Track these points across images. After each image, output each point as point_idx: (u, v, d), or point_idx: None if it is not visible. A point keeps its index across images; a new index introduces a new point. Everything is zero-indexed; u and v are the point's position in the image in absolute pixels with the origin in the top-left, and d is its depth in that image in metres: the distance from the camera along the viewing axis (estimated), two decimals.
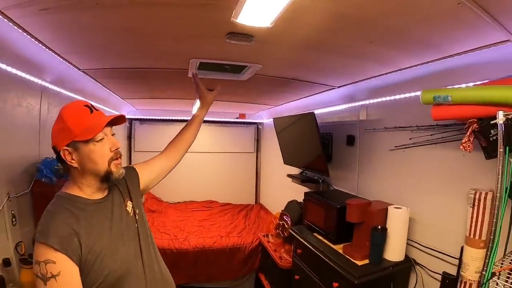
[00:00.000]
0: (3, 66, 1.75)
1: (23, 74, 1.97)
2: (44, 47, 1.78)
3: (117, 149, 1.23)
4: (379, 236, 2.04)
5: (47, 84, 2.30)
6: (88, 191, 1.24)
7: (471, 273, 1.60)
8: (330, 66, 2.10)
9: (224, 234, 4.14)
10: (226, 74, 2.50)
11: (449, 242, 1.86)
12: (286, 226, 3.26)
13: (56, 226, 1.11)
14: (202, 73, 2.42)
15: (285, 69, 2.30)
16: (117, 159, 1.24)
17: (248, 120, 5.73)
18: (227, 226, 4.53)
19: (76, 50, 1.93)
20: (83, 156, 1.18)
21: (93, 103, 1.24)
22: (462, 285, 1.64)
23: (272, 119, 3.95)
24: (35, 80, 2.14)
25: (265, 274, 3.72)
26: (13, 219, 1.85)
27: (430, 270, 1.98)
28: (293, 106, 3.77)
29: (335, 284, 2.08)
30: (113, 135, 1.25)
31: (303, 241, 2.57)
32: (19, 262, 1.84)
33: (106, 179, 1.22)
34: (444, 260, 1.89)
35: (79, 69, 2.32)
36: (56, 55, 1.94)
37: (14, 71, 1.86)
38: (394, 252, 2.08)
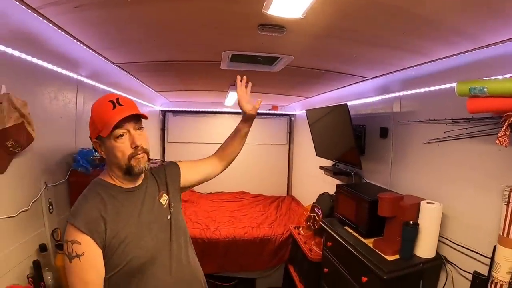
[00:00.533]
0: (40, 62, 1.82)
1: (59, 69, 2.04)
2: (79, 43, 1.84)
3: (137, 146, 1.24)
4: (411, 231, 1.99)
5: (82, 78, 2.38)
6: (118, 180, 1.30)
7: (502, 273, 1.53)
8: (362, 56, 2.05)
9: (255, 225, 4.17)
10: (258, 65, 2.50)
11: (481, 241, 1.78)
12: (317, 218, 3.24)
13: (86, 209, 1.20)
14: (234, 65, 2.44)
15: (318, 60, 2.27)
16: (138, 154, 1.26)
17: (280, 112, 5.70)
18: (258, 217, 4.56)
19: (109, 45, 1.99)
20: (107, 149, 1.25)
21: (124, 95, 1.28)
22: (493, 285, 1.57)
23: (304, 111, 3.91)
24: (71, 74, 2.22)
25: (294, 266, 3.72)
26: (50, 207, 1.94)
27: (460, 269, 1.91)
28: (326, 97, 3.72)
29: (364, 279, 2.06)
30: (140, 129, 1.27)
31: (334, 234, 2.55)
32: (55, 247, 1.93)
33: (128, 172, 1.26)
34: (475, 259, 1.81)
35: (113, 63, 2.39)
36: (90, 50, 2.00)
37: (50, 66, 1.93)
38: (425, 248, 2.02)
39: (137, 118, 1.27)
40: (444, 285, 2.00)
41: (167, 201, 1.40)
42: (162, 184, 1.43)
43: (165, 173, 1.48)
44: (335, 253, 2.57)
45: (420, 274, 1.97)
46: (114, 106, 1.24)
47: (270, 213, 4.83)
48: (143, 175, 1.36)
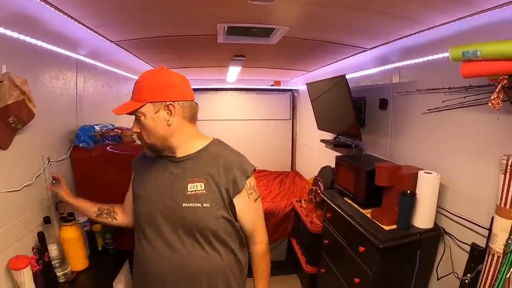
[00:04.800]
0: (39, 43, 1.82)
1: (58, 49, 2.04)
2: (76, 22, 1.84)
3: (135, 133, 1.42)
4: (407, 200, 1.99)
5: (81, 58, 2.37)
6: None
7: (499, 245, 1.51)
8: (358, 25, 2.01)
9: None
10: (254, 38, 2.46)
11: (480, 212, 1.76)
12: (319, 191, 3.26)
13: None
14: (231, 38, 2.42)
15: (313, 30, 2.23)
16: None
17: (283, 87, 5.67)
18: (262, 192, 4.57)
19: (106, 22, 1.98)
20: None
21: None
22: (490, 257, 1.56)
23: (306, 84, 3.89)
24: (70, 54, 2.21)
25: (296, 239, 3.77)
26: (54, 181, 1.95)
27: (459, 240, 1.90)
28: (327, 71, 3.68)
29: (362, 249, 2.08)
30: (138, 116, 1.36)
31: (333, 205, 2.56)
32: (60, 220, 1.97)
33: None
34: (474, 231, 1.80)
35: (111, 41, 2.38)
36: (88, 29, 2.00)
37: (49, 46, 1.93)
38: (423, 218, 2.02)
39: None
40: (442, 256, 2.00)
41: (200, 192, 1.36)
42: (216, 175, 1.37)
43: (238, 173, 1.39)
44: (334, 224, 2.60)
45: (418, 244, 1.97)
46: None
47: (274, 187, 4.85)
48: (186, 148, 1.42)
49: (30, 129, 1.74)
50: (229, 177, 1.36)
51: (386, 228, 2.04)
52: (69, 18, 1.76)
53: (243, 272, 1.53)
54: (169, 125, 1.34)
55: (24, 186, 1.72)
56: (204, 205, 1.34)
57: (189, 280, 1.39)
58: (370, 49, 2.55)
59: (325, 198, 2.76)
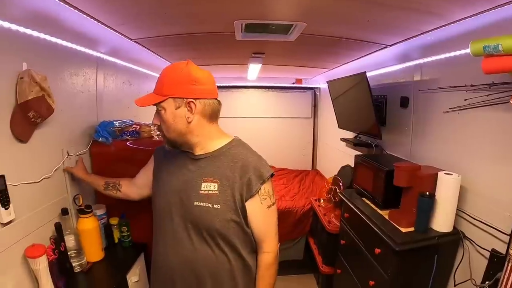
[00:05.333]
0: (59, 41, 1.86)
1: (78, 47, 2.08)
2: (94, 21, 1.86)
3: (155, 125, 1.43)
4: (426, 202, 1.92)
5: (101, 55, 2.42)
6: None
7: None
8: (376, 20, 1.94)
9: (277, 197, 4.15)
10: (273, 35, 2.43)
11: (501, 216, 1.66)
12: (338, 190, 3.21)
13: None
14: (249, 36, 2.40)
15: (331, 26, 2.18)
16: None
17: (305, 85, 5.60)
18: (281, 190, 4.56)
19: (125, 20, 1.99)
20: None
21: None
22: (510, 264, 1.48)
23: (326, 82, 3.84)
24: (90, 52, 2.25)
25: (314, 238, 3.73)
26: (72, 175, 2.04)
27: (478, 246, 1.80)
28: (348, 69, 3.61)
29: (378, 250, 2.03)
30: (159, 110, 1.36)
31: (351, 205, 2.51)
32: (77, 212, 2.03)
33: None
34: (494, 236, 1.71)
35: (131, 39, 2.39)
36: (107, 28, 2.02)
37: (69, 45, 1.97)
38: (441, 222, 1.94)
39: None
40: (460, 262, 1.92)
41: (212, 192, 1.35)
42: (231, 177, 1.36)
43: (253, 176, 1.36)
44: (351, 225, 2.55)
45: (436, 248, 1.90)
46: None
47: (293, 186, 4.82)
48: (205, 146, 1.42)
49: (50, 124, 1.79)
50: (244, 180, 1.34)
51: (404, 230, 1.98)
52: (87, 17, 1.78)
53: (251, 277, 1.49)
54: (188, 122, 1.33)
55: (43, 179, 1.78)
56: (215, 206, 1.33)
57: (195, 276, 1.40)
58: (390, 45, 2.48)
59: (343, 198, 2.71)
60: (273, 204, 1.43)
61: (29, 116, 1.57)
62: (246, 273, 1.46)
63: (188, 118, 1.32)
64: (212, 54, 3.30)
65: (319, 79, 5.22)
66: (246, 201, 1.35)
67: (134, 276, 2.09)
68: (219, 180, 1.35)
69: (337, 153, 4.49)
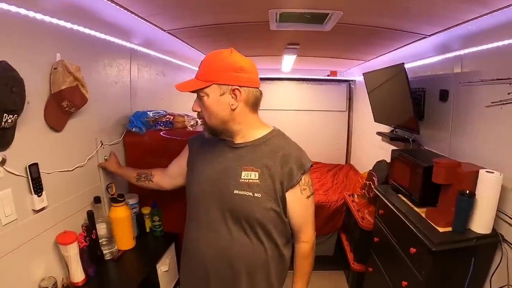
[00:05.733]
0: (92, 32, 1.89)
1: (111, 38, 2.10)
2: (127, 12, 1.88)
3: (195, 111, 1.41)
4: (466, 201, 1.80)
5: (135, 47, 2.45)
6: None
7: None
8: (416, 8, 1.84)
9: None
10: (308, 25, 2.37)
11: None
12: (372, 186, 3.12)
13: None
14: (284, 25, 2.35)
15: (368, 15, 2.10)
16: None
17: (339, 78, 5.47)
18: (314, 184, 4.38)
19: (157, 11, 1.99)
20: None
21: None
22: None
23: (362, 75, 3.73)
24: (124, 43, 2.28)
25: (346, 234, 3.66)
26: (106, 159, 2.10)
27: None
28: (384, 60, 3.49)
29: (413, 250, 1.94)
30: (201, 96, 1.34)
31: (386, 201, 2.42)
32: (110, 200, 2.07)
33: None
34: None
35: (164, 30, 2.40)
36: (140, 19, 2.04)
37: (102, 36, 2.00)
38: (480, 222, 1.82)
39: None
40: (498, 266, 1.80)
41: (253, 181, 1.34)
42: (272, 166, 1.35)
43: (294, 166, 1.36)
44: (386, 222, 2.47)
45: (473, 250, 1.79)
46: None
47: (327, 180, 4.74)
48: (246, 135, 1.41)
49: (84, 114, 1.84)
50: (285, 170, 1.34)
51: (441, 230, 1.88)
52: (121, 8, 1.79)
53: (285, 268, 1.51)
54: (232, 110, 1.32)
55: (76, 167, 1.84)
56: (256, 195, 1.32)
57: (229, 266, 1.39)
58: (429, 35, 2.35)
59: (378, 194, 2.63)
60: (312, 194, 1.43)
61: (63, 106, 1.61)
62: (280, 264, 1.47)
63: (232, 105, 1.31)
64: (246, 45, 3.27)
65: (354, 71, 5.10)
66: (286, 191, 1.35)
67: (164, 266, 2.12)
68: (260, 169, 1.34)
69: (372, 147, 4.37)
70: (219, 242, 1.38)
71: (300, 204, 1.40)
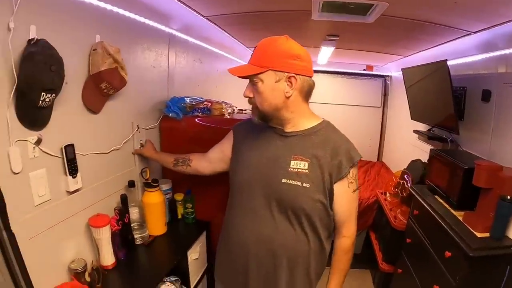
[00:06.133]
0: (132, 15, 1.88)
1: (150, 22, 2.10)
2: None
3: (247, 97, 1.38)
4: (506, 206, 1.72)
5: (174, 32, 2.44)
6: None
7: None
8: (467, 3, 1.75)
9: None
10: (351, 16, 2.32)
11: None
12: (406, 186, 3.04)
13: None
14: (326, 15, 2.31)
15: (415, 8, 2.02)
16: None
17: (375, 73, 5.33)
18: None
19: None
20: None
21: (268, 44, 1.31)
22: None
23: (401, 72, 3.62)
24: (162, 28, 2.28)
25: (375, 233, 3.57)
26: (141, 148, 2.11)
27: None
28: (423, 57, 3.36)
29: (448, 254, 1.88)
30: (253, 83, 1.32)
31: (422, 202, 2.36)
32: (144, 185, 2.09)
33: None
34: None
35: (204, 16, 2.39)
36: (180, 3, 2.02)
37: (142, 19, 1.99)
38: None
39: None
40: None
41: (302, 171, 1.33)
42: (322, 157, 1.33)
43: (344, 159, 1.34)
44: (420, 223, 2.40)
45: (509, 259, 1.72)
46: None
47: (358, 176, 4.62)
48: (297, 124, 1.40)
49: (122, 97, 1.84)
50: (335, 162, 1.32)
51: (479, 235, 1.81)
52: None
53: (323, 263, 1.50)
54: (287, 98, 1.32)
55: (112, 150, 1.85)
56: (304, 184, 1.31)
57: (271, 255, 1.39)
58: (474, 32, 2.24)
59: (414, 193, 2.56)
60: (357, 188, 1.43)
61: (101, 87, 1.61)
62: (320, 258, 1.46)
63: (287, 93, 1.30)
64: (284, 34, 3.21)
65: (391, 66, 4.95)
66: (334, 183, 1.34)
67: (194, 254, 2.12)
68: (310, 159, 1.33)
69: (406, 146, 4.25)
70: (263, 230, 1.38)
71: (346, 198, 1.38)
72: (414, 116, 3.53)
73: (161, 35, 2.31)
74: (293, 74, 1.28)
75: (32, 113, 1.27)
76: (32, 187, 1.32)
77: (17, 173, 1.25)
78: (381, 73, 5.37)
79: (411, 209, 2.60)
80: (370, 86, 5.55)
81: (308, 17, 2.33)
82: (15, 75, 1.15)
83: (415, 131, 3.50)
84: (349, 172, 1.34)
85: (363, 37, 3.12)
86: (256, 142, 1.46)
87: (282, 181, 1.32)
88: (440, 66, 2.53)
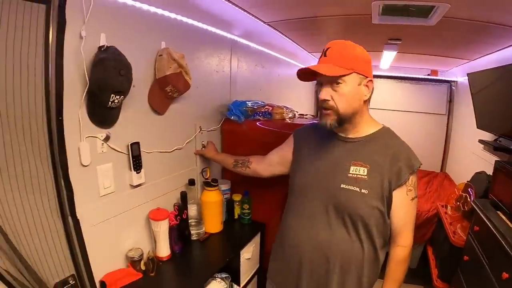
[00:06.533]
0: (195, 23, 2.01)
1: (213, 29, 2.22)
2: (230, 4, 1.97)
3: (321, 100, 1.30)
4: None
5: (236, 38, 2.55)
6: None
7: None
8: None
9: None
10: (412, 19, 2.25)
11: None
12: (469, 199, 2.84)
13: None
14: (386, 19, 2.28)
15: (479, 9, 1.91)
16: (323, 109, 1.31)
17: (440, 78, 5.05)
18: None
19: (259, 3, 2.04)
20: None
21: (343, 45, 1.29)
22: None
23: (467, 77, 3.40)
24: (225, 34, 2.39)
25: (433, 247, 3.38)
26: (203, 149, 2.22)
27: None
28: (491, 60, 3.13)
29: (505, 275, 1.72)
30: (334, 84, 1.27)
31: (483, 217, 2.18)
32: (203, 184, 2.18)
33: None
34: None
35: (264, 22, 2.45)
36: (241, 10, 2.11)
37: (205, 26, 2.11)
38: None
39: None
40: None
41: (361, 177, 1.31)
42: (381, 164, 1.31)
43: (403, 165, 1.31)
44: (480, 240, 2.22)
45: None
46: (323, 55, 1.30)
47: (419, 187, 4.39)
48: (359, 130, 1.38)
49: (186, 99, 1.96)
50: (394, 169, 1.30)
51: None
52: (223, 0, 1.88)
53: (376, 272, 1.44)
54: (364, 102, 1.32)
55: (175, 149, 1.98)
56: (363, 190, 1.29)
57: (325, 259, 1.37)
58: None
59: (476, 208, 2.37)
60: (416, 197, 1.37)
61: (167, 90, 1.73)
62: (374, 267, 1.40)
63: (364, 96, 1.30)
64: (346, 39, 3.14)
65: (456, 71, 4.67)
66: (393, 190, 1.31)
67: (247, 254, 2.16)
68: (369, 165, 1.31)
69: (471, 156, 3.96)
70: (318, 234, 1.37)
71: (404, 206, 1.34)
72: (480, 125, 3.29)
73: (223, 41, 2.41)
74: (371, 79, 1.29)
75: (102, 112, 1.41)
76: (98, 179, 1.47)
77: (86, 166, 1.40)
78: (446, 78, 5.07)
79: (472, 225, 2.41)
80: (434, 92, 5.28)
81: (368, 21, 2.31)
82: (87, 79, 1.29)
83: (480, 141, 3.26)
84: (408, 179, 1.30)
85: (426, 41, 3.00)
86: (316, 147, 1.46)
87: (341, 186, 1.31)
88: (510, 70, 2.35)
